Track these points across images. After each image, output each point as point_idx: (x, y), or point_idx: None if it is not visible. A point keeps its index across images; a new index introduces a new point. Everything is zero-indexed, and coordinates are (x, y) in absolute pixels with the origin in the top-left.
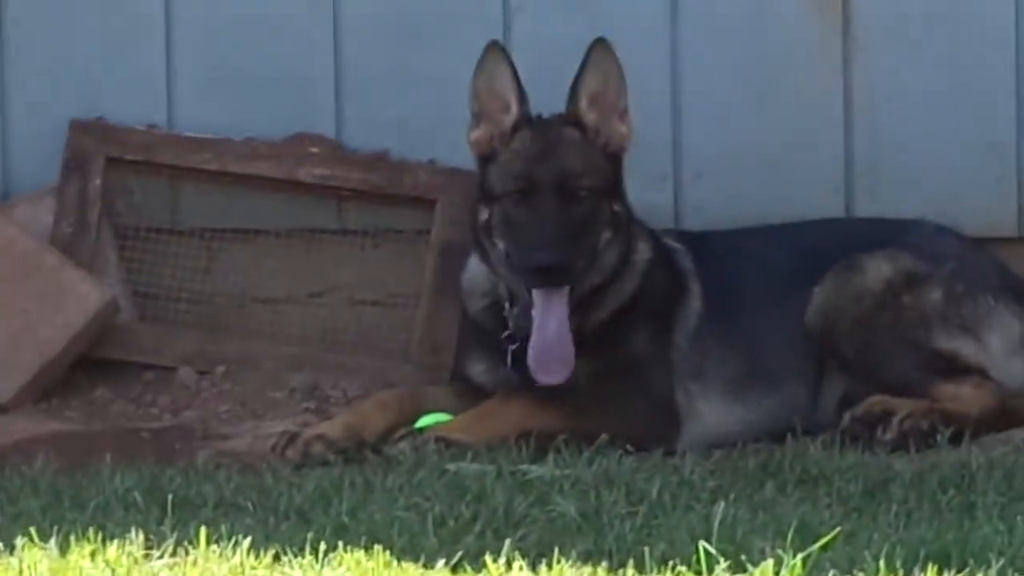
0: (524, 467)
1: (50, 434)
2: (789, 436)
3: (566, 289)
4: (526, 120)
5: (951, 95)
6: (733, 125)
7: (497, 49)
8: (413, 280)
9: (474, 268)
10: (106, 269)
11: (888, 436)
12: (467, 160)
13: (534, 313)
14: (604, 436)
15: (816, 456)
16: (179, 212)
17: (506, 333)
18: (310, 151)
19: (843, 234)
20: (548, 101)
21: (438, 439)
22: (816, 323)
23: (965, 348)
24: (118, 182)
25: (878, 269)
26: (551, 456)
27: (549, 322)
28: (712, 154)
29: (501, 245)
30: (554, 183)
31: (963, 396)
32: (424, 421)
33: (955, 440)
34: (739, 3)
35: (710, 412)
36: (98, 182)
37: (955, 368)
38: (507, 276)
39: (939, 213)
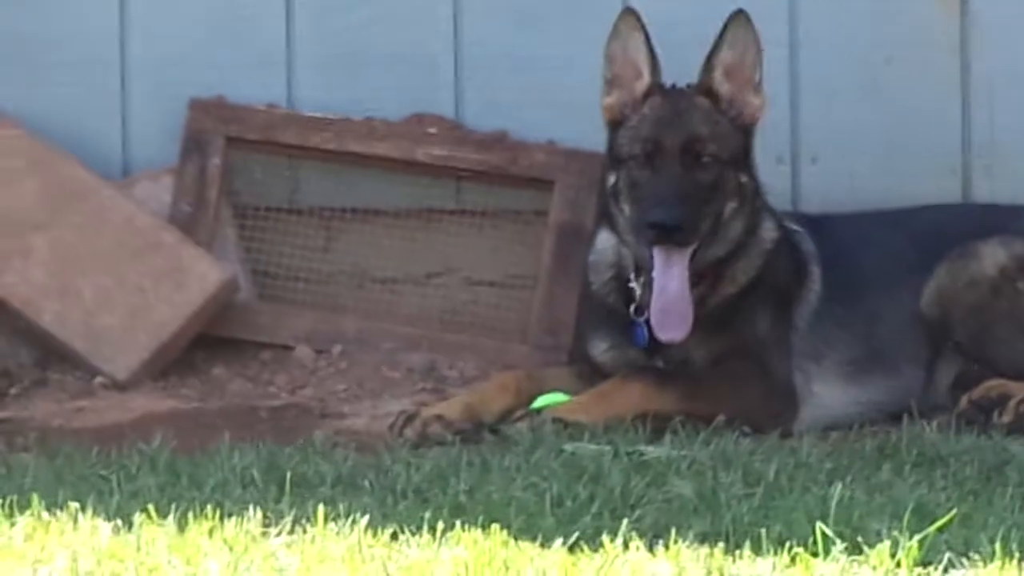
0: (641, 448)
1: (168, 412)
2: (905, 418)
3: (687, 250)
4: (658, 87)
5: None
6: (850, 107)
7: (631, 15)
8: (531, 261)
9: (601, 243)
10: (225, 248)
11: (1005, 419)
12: (586, 141)
13: (654, 273)
14: (721, 417)
15: (932, 438)
16: (298, 191)
17: (633, 306)
18: (429, 131)
19: (959, 220)
20: (668, 80)
21: (555, 420)
22: (932, 309)
23: None
24: (238, 161)
25: (992, 255)
26: (668, 437)
27: (669, 281)
28: (829, 136)
29: (627, 209)
30: (680, 146)
31: None
32: (542, 401)
33: None
34: None
35: (827, 394)
36: (217, 161)
37: None
38: (632, 241)
39: None
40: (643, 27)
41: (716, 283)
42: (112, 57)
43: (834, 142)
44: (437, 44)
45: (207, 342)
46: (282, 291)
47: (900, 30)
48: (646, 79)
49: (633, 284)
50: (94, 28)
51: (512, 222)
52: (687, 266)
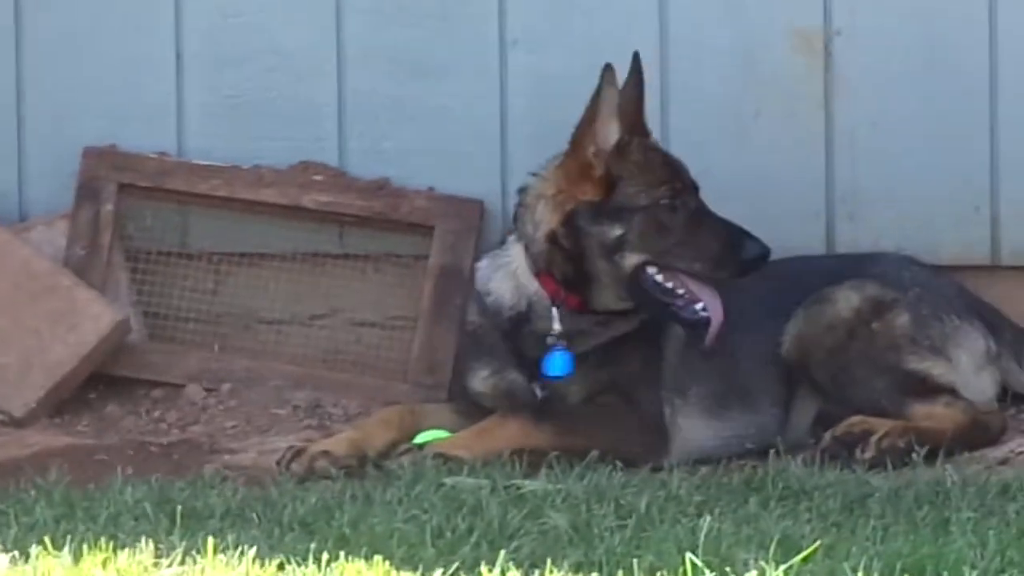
0: (518, 482)
1: (64, 447)
2: (772, 453)
3: None
4: (630, 138)
5: (929, 129)
6: (719, 157)
7: (610, 72)
8: (411, 303)
9: (498, 287)
10: (117, 290)
11: (867, 454)
12: (464, 188)
13: (706, 297)
14: (595, 452)
15: (797, 473)
16: (188, 236)
17: (557, 331)
18: (314, 179)
19: (812, 270)
20: (545, 131)
21: (437, 455)
22: (791, 353)
23: (935, 368)
24: (130, 207)
25: (847, 299)
26: (544, 471)
27: (719, 301)
28: (698, 184)
29: (635, 258)
30: (694, 185)
31: (936, 415)
32: (423, 437)
33: (930, 458)
34: (726, 39)
35: (690, 427)
36: (110, 207)
37: (927, 388)
38: (623, 289)
39: (916, 243)
40: (616, 84)
41: (608, 322)
42: (8, 105)
43: (703, 190)
44: (322, 95)
45: (101, 381)
46: (173, 332)
47: (768, 83)
48: (618, 132)
49: (556, 322)
50: None
51: (393, 266)
52: None
